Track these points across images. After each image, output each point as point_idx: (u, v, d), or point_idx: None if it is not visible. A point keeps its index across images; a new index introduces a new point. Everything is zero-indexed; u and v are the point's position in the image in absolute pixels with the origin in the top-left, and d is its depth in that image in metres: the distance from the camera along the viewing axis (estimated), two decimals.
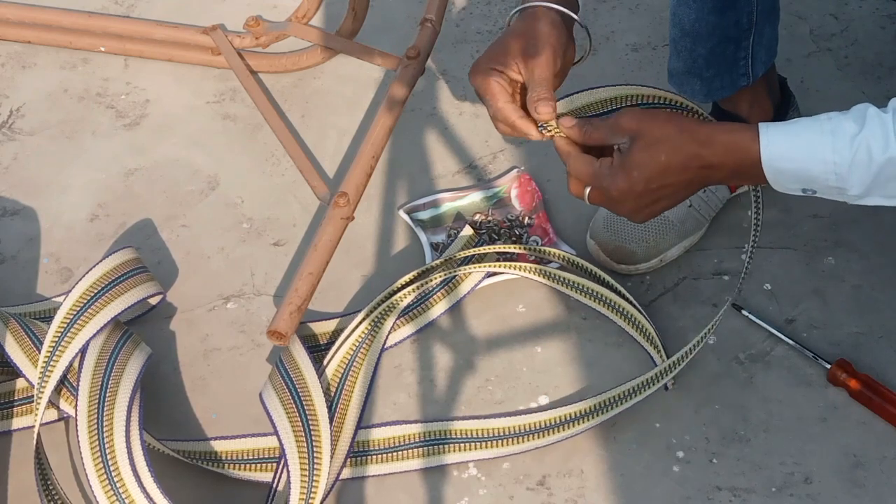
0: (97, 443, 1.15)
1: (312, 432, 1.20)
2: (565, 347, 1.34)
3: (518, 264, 1.37)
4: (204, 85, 1.70)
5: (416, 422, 1.27)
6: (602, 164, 1.03)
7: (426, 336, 1.36)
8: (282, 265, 1.45)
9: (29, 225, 1.51)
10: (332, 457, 1.20)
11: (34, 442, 1.18)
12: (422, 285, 1.36)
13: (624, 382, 1.26)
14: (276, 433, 1.21)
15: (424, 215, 1.48)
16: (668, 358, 1.28)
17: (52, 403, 1.25)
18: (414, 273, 1.37)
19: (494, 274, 1.38)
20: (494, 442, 1.24)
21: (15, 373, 1.28)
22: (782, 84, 1.43)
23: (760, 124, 0.99)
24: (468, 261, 1.38)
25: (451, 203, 1.48)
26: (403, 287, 1.36)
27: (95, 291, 1.28)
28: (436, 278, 1.36)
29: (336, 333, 1.36)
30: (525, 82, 1.08)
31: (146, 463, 1.14)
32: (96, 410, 1.17)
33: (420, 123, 1.62)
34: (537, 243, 1.43)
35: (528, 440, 1.23)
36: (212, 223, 1.51)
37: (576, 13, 1.11)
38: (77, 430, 1.16)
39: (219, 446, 1.25)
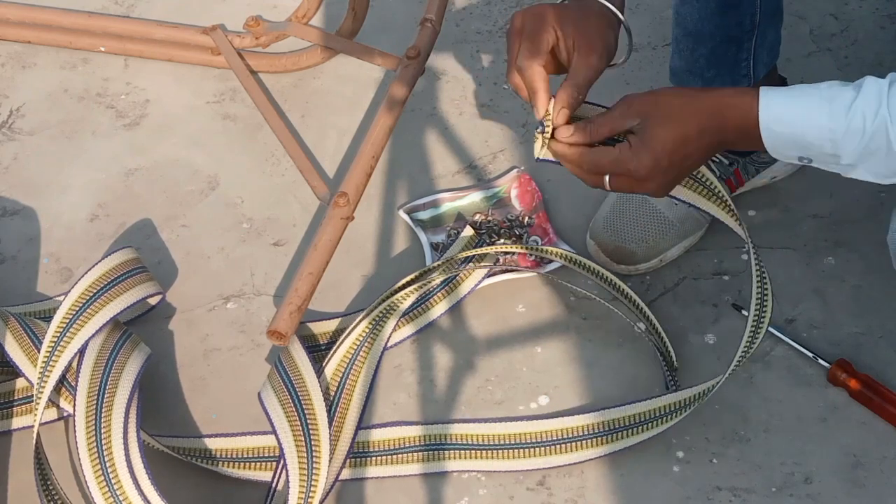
0: (95, 443, 1.15)
1: (311, 432, 1.20)
2: (565, 347, 1.34)
3: (518, 265, 1.37)
4: (204, 85, 1.70)
5: (416, 423, 1.26)
6: (622, 149, 1.02)
7: (426, 336, 1.36)
8: (282, 265, 1.45)
9: (29, 225, 1.52)
10: (331, 457, 1.20)
11: (34, 442, 1.18)
12: (422, 286, 1.36)
13: (633, 402, 1.23)
14: (274, 433, 1.21)
15: (424, 215, 1.48)
16: (672, 351, 1.28)
17: (52, 402, 1.25)
18: (414, 273, 1.37)
19: (495, 273, 1.38)
20: (496, 452, 1.23)
21: (15, 373, 1.28)
22: (782, 84, 1.43)
23: (761, 88, 0.99)
24: (468, 261, 1.38)
25: (451, 203, 1.48)
26: (404, 287, 1.36)
27: (95, 291, 1.28)
28: (436, 278, 1.36)
29: (336, 333, 1.36)
30: (566, 67, 1.05)
31: (143, 463, 1.14)
32: (94, 411, 1.17)
33: (420, 123, 1.62)
34: (537, 243, 1.43)
35: (531, 455, 1.23)
36: (212, 223, 1.51)
37: (622, 13, 1.08)
38: (75, 431, 1.16)
39: (218, 444, 1.25)
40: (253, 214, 1.52)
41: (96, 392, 1.19)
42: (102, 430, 1.16)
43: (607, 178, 1.04)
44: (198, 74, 1.71)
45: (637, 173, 1.02)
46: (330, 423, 1.23)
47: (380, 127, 1.46)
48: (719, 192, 1.15)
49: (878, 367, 1.28)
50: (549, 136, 1.06)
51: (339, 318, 1.37)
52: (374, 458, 1.24)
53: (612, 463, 1.23)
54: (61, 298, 1.31)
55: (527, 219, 1.45)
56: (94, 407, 1.17)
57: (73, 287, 1.28)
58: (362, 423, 1.27)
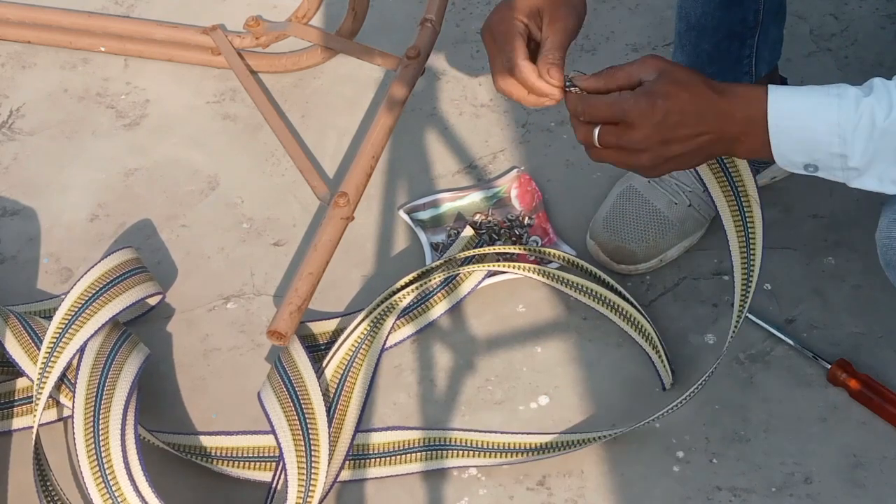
0: (93, 443, 1.15)
1: (311, 433, 1.20)
2: (565, 347, 1.34)
3: (518, 264, 1.37)
4: (204, 85, 1.70)
5: (416, 428, 1.26)
6: (622, 92, 0.98)
7: (426, 336, 1.36)
8: (282, 265, 1.45)
9: (29, 225, 1.52)
10: (330, 457, 1.20)
11: (33, 442, 1.18)
12: (422, 285, 1.36)
13: (638, 423, 1.23)
14: (273, 433, 1.21)
15: (424, 215, 1.48)
16: (667, 359, 1.28)
17: (53, 399, 1.26)
18: (414, 273, 1.37)
19: (495, 273, 1.38)
20: (496, 454, 1.23)
21: (15, 373, 1.28)
22: (783, 84, 1.43)
23: (769, 85, 0.97)
24: (468, 261, 1.38)
25: (451, 203, 1.48)
26: (404, 287, 1.36)
27: (94, 291, 1.28)
28: (436, 278, 1.36)
29: (336, 333, 1.36)
30: (540, 41, 1.06)
31: (141, 464, 1.14)
32: (92, 411, 1.17)
33: (420, 123, 1.62)
34: (537, 243, 1.43)
35: (530, 455, 1.23)
36: (212, 223, 1.51)
37: None
38: (73, 431, 1.16)
39: (217, 442, 1.25)
40: (253, 214, 1.52)
41: (94, 392, 1.19)
42: (100, 431, 1.16)
43: (597, 130, 0.99)
44: (198, 74, 1.71)
45: (627, 115, 0.96)
46: (329, 424, 1.23)
47: (380, 127, 1.46)
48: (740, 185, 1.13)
49: (878, 367, 1.28)
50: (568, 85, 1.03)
51: (339, 318, 1.37)
52: (373, 460, 1.24)
53: (612, 463, 1.23)
54: (62, 298, 1.31)
55: (527, 219, 1.45)
56: (93, 407, 1.17)
57: (73, 287, 1.28)
58: (362, 424, 1.27)
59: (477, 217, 1.45)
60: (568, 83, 1.03)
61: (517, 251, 1.40)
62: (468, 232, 1.42)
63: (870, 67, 1.63)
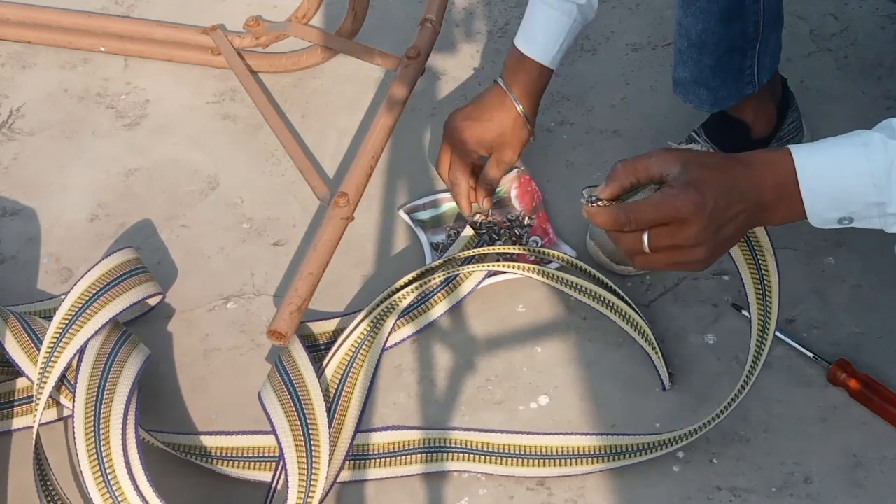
0: (93, 444, 1.15)
1: (311, 433, 1.20)
2: (565, 347, 1.34)
3: (518, 264, 1.37)
4: (204, 85, 1.70)
5: (416, 428, 1.26)
6: (664, 190, 0.94)
7: (426, 336, 1.36)
8: (282, 265, 1.45)
9: (29, 225, 1.52)
10: (330, 457, 1.20)
11: (33, 441, 1.18)
12: (422, 285, 1.36)
13: (643, 434, 1.23)
14: (274, 433, 1.21)
15: (424, 215, 1.48)
16: (663, 358, 1.28)
17: (53, 399, 1.26)
18: (414, 273, 1.37)
19: (495, 274, 1.38)
20: (496, 458, 1.23)
21: (15, 373, 1.28)
22: (782, 84, 1.43)
23: (791, 148, 0.94)
24: (468, 261, 1.38)
25: (451, 203, 1.48)
26: (404, 287, 1.36)
27: (95, 291, 1.28)
28: (436, 278, 1.36)
29: (336, 333, 1.36)
30: (483, 163, 1.41)
31: (142, 464, 1.14)
32: (93, 412, 1.17)
33: (420, 123, 1.62)
34: (537, 243, 1.43)
35: (531, 465, 1.23)
36: (212, 223, 1.51)
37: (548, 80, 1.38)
38: (74, 431, 1.16)
39: (218, 441, 1.25)
40: (253, 214, 1.52)
41: (95, 393, 1.19)
42: (101, 431, 1.16)
43: (646, 235, 0.95)
44: (198, 74, 1.71)
45: (682, 211, 0.92)
46: (330, 423, 1.23)
47: (380, 127, 1.46)
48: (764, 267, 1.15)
49: (878, 367, 1.28)
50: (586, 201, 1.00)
51: (339, 318, 1.37)
52: (373, 461, 1.24)
53: None
54: (62, 298, 1.31)
55: (527, 219, 1.45)
56: (93, 407, 1.17)
57: (73, 287, 1.28)
58: (362, 424, 1.27)
59: (477, 217, 1.46)
60: (592, 198, 0.99)
61: (517, 251, 1.40)
62: (468, 232, 1.42)
63: (870, 67, 1.63)
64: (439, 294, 1.37)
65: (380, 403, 1.30)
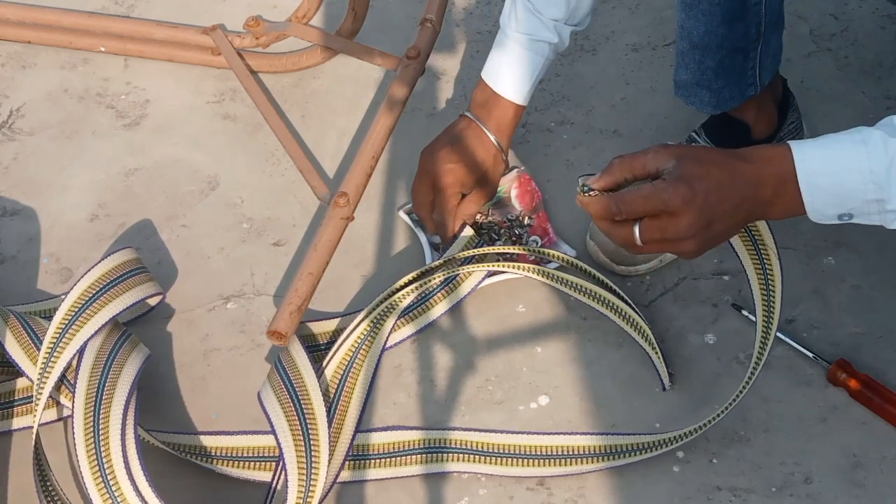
0: (93, 444, 1.15)
1: (311, 433, 1.20)
2: (565, 347, 1.34)
3: (518, 264, 1.37)
4: (204, 85, 1.70)
5: (416, 428, 1.26)
6: (655, 183, 0.95)
7: (426, 336, 1.36)
8: (282, 265, 1.45)
9: (29, 225, 1.52)
10: (330, 457, 1.20)
11: (33, 441, 1.18)
12: (422, 285, 1.36)
13: (642, 434, 1.23)
14: (273, 433, 1.21)
15: None
16: (663, 358, 1.28)
17: (53, 399, 1.26)
18: (414, 273, 1.37)
19: (495, 273, 1.38)
20: (496, 459, 1.23)
21: (15, 373, 1.28)
22: (783, 84, 1.43)
23: (791, 143, 0.95)
24: (468, 261, 1.38)
25: None
26: (404, 287, 1.36)
27: (94, 291, 1.28)
28: (436, 278, 1.36)
29: (336, 333, 1.36)
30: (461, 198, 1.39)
31: (141, 464, 1.14)
32: (92, 411, 1.17)
33: (420, 123, 1.61)
34: (537, 243, 1.43)
35: (531, 465, 1.23)
36: (212, 223, 1.51)
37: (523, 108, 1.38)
38: (73, 431, 1.16)
39: (217, 441, 1.25)
40: (253, 214, 1.52)
41: (94, 393, 1.19)
42: (100, 431, 1.16)
43: (637, 226, 0.97)
44: (198, 74, 1.71)
45: (670, 205, 0.94)
46: (329, 424, 1.23)
47: (380, 127, 1.46)
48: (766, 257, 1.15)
49: (878, 367, 1.28)
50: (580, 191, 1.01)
51: (339, 318, 1.37)
52: (373, 461, 1.24)
53: None
54: (62, 298, 1.31)
55: (527, 219, 1.45)
56: (93, 408, 1.17)
57: (73, 287, 1.28)
58: (362, 424, 1.27)
59: (477, 217, 1.45)
60: (584, 189, 1.00)
61: (517, 251, 1.40)
62: (468, 232, 1.42)
63: (870, 67, 1.63)
64: (439, 294, 1.37)
65: (380, 403, 1.30)
